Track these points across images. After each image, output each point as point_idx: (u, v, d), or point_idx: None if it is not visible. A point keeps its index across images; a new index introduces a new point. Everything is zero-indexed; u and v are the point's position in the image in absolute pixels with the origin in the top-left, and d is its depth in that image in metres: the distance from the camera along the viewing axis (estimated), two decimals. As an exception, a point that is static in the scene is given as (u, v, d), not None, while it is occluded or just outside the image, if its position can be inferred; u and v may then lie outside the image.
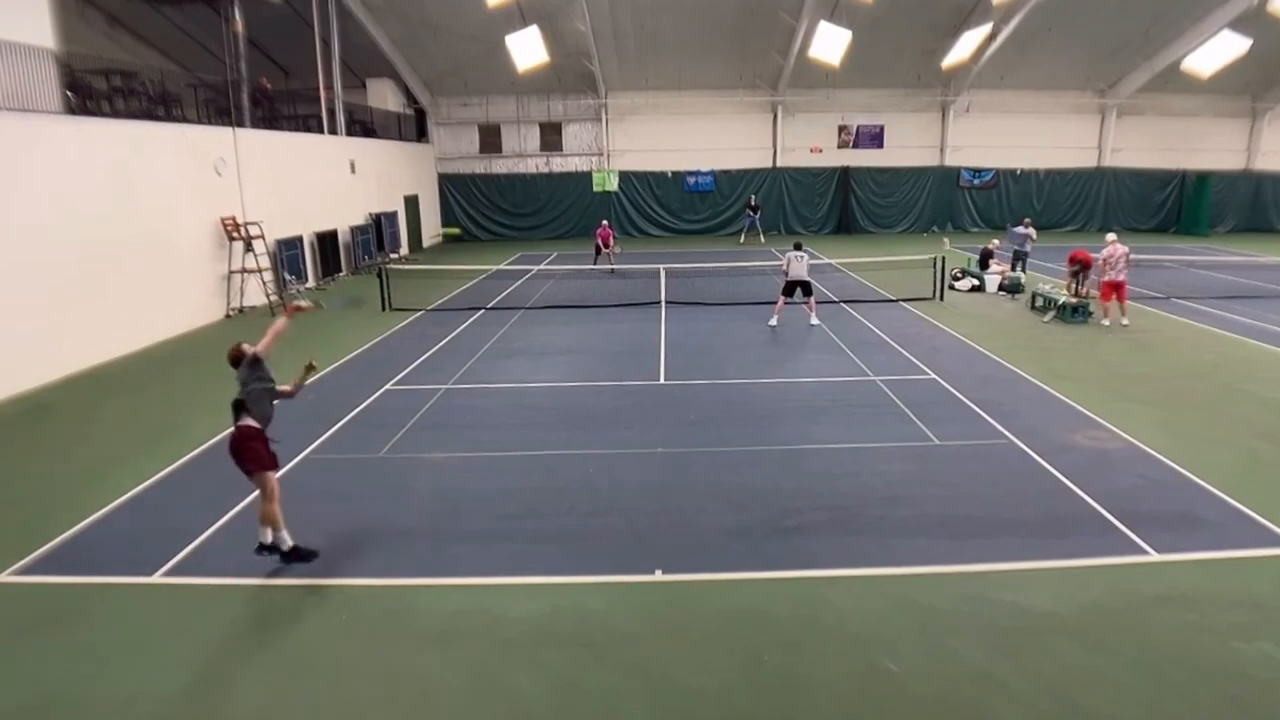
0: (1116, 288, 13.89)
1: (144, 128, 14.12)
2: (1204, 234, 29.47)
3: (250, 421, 5.73)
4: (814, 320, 14.32)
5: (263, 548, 5.83)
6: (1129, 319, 13.96)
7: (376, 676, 4.77)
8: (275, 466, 5.85)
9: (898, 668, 4.75)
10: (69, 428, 9.48)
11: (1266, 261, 21.28)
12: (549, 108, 29.94)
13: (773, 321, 14.30)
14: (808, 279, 14.23)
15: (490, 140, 30.31)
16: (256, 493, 6.09)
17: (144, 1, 20.80)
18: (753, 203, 28.86)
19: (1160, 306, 14.75)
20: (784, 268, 14.26)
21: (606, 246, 21.04)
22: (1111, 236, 14.44)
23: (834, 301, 16.66)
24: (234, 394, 5.78)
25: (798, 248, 14.64)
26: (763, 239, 28.30)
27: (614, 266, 20.86)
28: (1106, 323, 13.99)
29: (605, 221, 22.30)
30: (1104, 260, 13.92)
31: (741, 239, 28.50)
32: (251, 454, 5.69)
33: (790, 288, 14.23)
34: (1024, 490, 7.28)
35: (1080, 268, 14.73)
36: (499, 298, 17.77)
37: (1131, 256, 13.91)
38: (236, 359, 5.81)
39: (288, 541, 5.88)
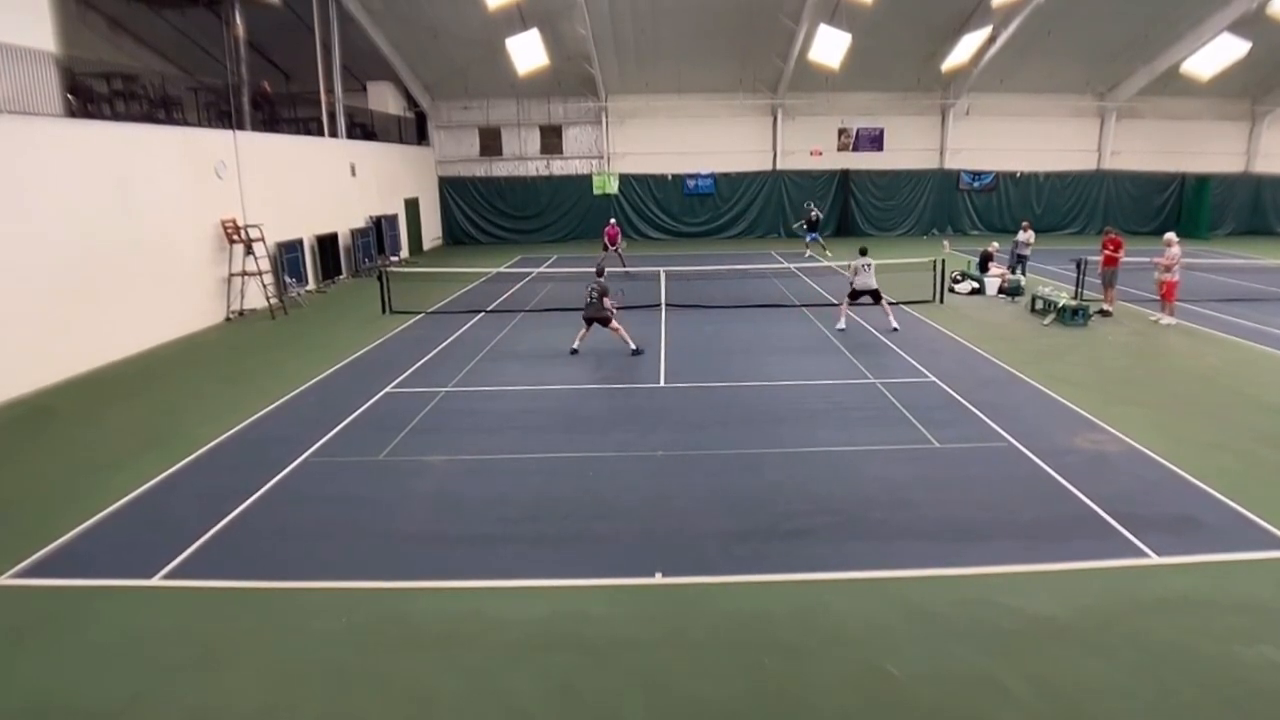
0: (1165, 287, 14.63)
1: (145, 131, 14.13)
2: (1204, 237, 29.50)
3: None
4: (894, 324, 13.99)
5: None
6: (1167, 320, 14.59)
7: (374, 680, 4.76)
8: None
9: (898, 671, 4.74)
10: (69, 431, 9.47)
11: (1267, 264, 21.26)
12: (549, 111, 29.98)
13: (840, 325, 14.21)
14: (876, 287, 13.93)
15: (490, 143, 30.35)
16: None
17: (145, 5, 20.82)
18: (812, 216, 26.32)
19: (1160, 309, 14.77)
20: (850, 276, 14.09)
21: (614, 244, 22.09)
22: (1169, 237, 14.86)
23: (833, 304, 16.64)
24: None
25: (864, 253, 14.25)
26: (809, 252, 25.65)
27: (627, 269, 20.80)
28: (1169, 320, 14.58)
29: (613, 220, 23.56)
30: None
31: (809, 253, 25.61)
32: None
33: (856, 295, 14.09)
34: (1024, 493, 7.27)
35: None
36: (499, 300, 17.77)
37: (1167, 260, 14.42)
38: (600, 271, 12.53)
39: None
